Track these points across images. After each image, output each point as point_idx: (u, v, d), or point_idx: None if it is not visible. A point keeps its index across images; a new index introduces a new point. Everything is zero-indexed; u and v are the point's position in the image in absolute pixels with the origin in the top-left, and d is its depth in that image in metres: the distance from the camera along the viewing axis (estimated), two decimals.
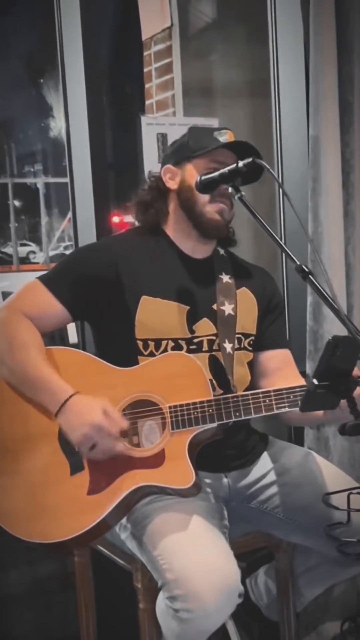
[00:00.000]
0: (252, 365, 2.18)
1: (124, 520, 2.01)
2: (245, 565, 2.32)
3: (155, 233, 2.16)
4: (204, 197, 2.07)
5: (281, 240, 1.87)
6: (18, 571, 2.86)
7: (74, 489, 1.93)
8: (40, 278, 2.08)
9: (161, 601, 1.88)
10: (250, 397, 1.94)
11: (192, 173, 2.10)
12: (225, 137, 2.11)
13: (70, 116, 2.74)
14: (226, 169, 1.96)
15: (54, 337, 2.33)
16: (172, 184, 2.14)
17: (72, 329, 2.83)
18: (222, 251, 2.22)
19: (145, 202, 2.18)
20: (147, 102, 3.43)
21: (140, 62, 3.47)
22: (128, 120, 3.27)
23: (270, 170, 1.86)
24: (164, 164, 2.18)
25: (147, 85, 3.43)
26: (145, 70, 3.46)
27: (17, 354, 1.98)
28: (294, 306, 2.93)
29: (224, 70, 3.42)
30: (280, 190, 2.96)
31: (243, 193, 1.90)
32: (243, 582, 1.87)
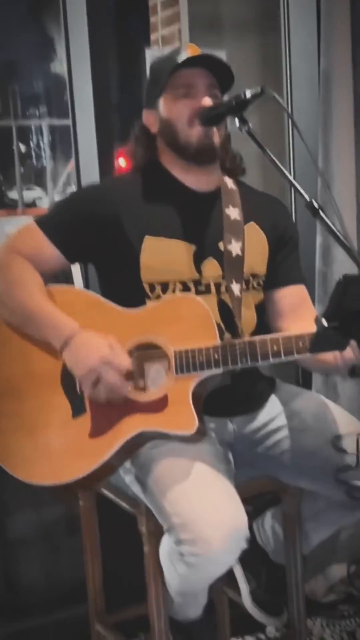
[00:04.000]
0: (265, 305, 2.12)
1: (128, 464, 1.99)
2: (252, 510, 2.31)
3: (156, 170, 2.09)
4: (183, 127, 1.99)
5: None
6: (24, 515, 2.87)
7: (75, 431, 1.91)
8: (36, 220, 2.05)
9: (165, 545, 1.86)
10: (257, 343, 1.87)
11: (165, 108, 2.03)
12: (184, 54, 1.99)
13: (72, 54, 2.67)
14: (232, 100, 1.87)
15: (59, 280, 2.29)
16: (154, 128, 2.07)
17: (77, 273, 2.78)
18: (230, 183, 2.12)
19: (136, 154, 2.11)
20: (153, 37, 3.32)
21: None
22: (133, 56, 3.17)
23: (279, 98, 1.77)
24: (144, 109, 2.10)
25: (152, 19, 3.32)
26: (150, 3, 3.34)
27: (15, 292, 1.95)
28: (302, 248, 2.88)
29: (232, 3, 3.30)
30: (290, 123, 2.88)
31: (251, 125, 1.82)
32: (250, 525, 1.86)
